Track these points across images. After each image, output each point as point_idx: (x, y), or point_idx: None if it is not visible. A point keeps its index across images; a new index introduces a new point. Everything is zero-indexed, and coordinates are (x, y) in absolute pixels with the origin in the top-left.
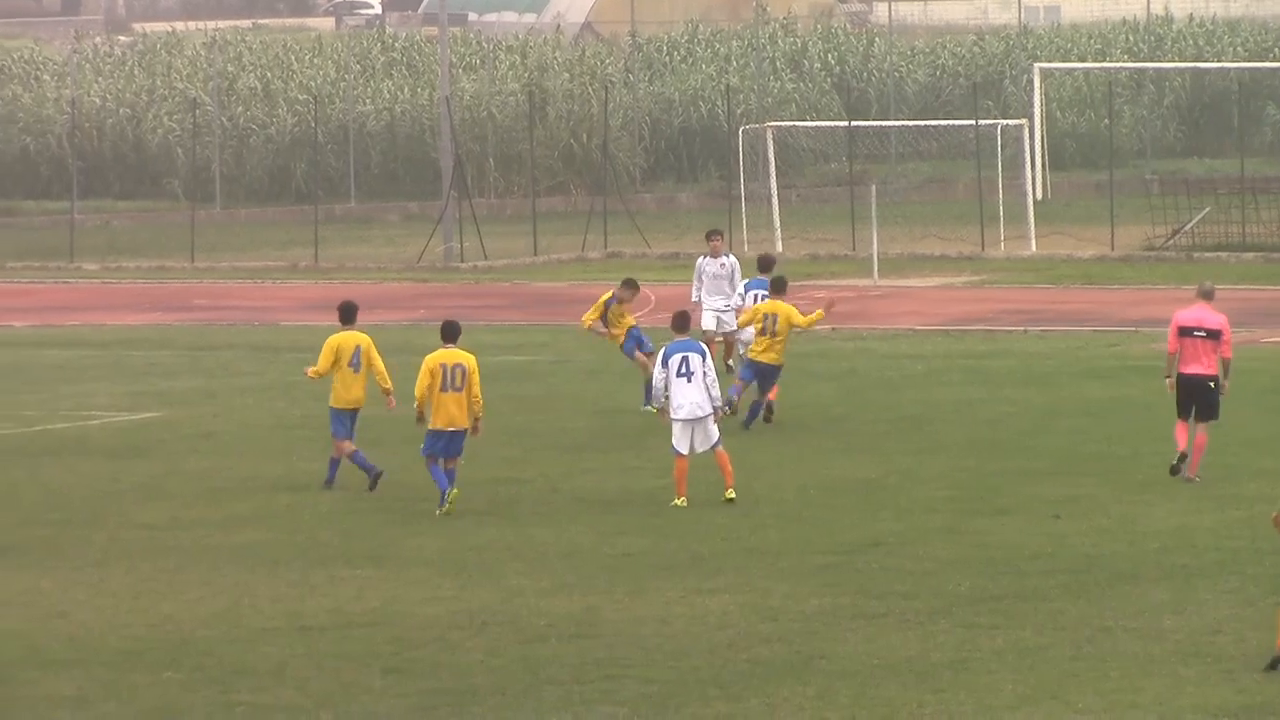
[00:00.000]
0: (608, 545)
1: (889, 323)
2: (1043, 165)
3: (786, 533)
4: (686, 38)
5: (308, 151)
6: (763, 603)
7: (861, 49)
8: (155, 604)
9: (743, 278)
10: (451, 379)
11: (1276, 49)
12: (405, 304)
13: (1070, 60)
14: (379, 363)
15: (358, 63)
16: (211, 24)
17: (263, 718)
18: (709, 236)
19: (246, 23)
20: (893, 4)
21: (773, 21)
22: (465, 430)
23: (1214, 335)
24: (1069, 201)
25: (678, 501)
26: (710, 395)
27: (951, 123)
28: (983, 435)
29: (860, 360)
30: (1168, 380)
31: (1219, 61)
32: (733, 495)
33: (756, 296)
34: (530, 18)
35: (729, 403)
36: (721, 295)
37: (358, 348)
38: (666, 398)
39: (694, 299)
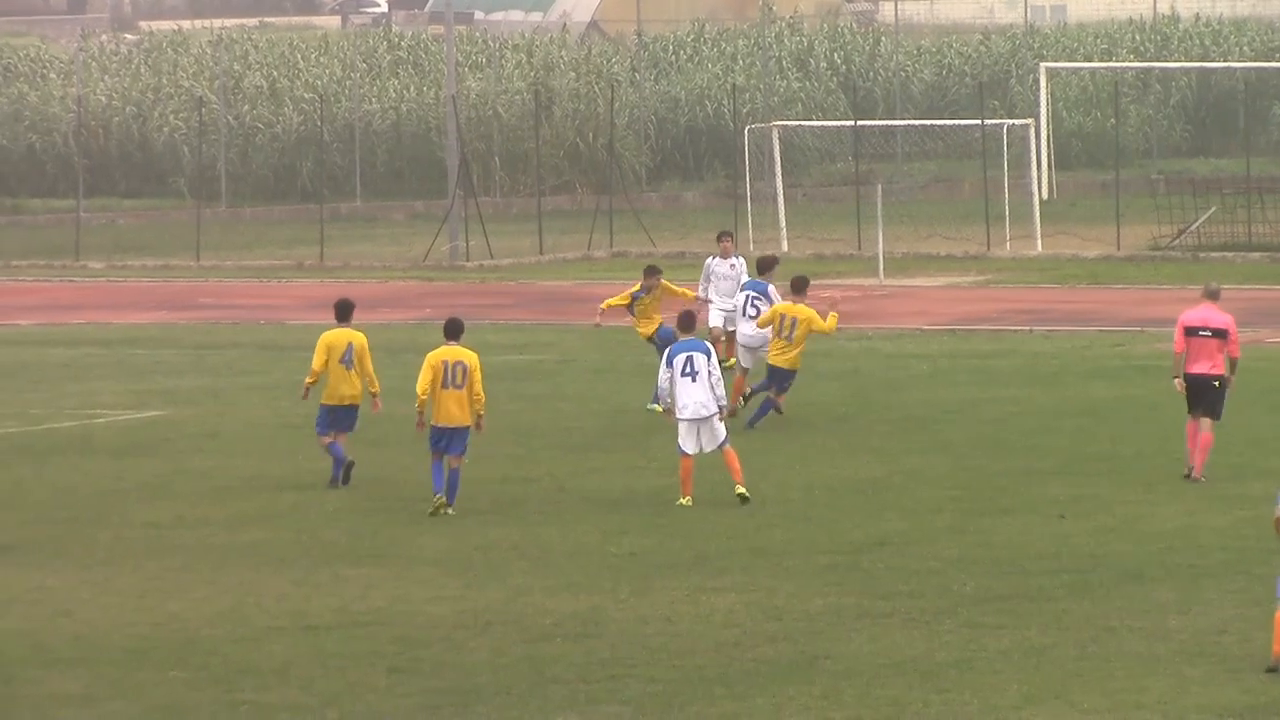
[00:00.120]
0: (613, 544)
1: (894, 322)
2: (1048, 165)
3: (791, 532)
4: (692, 36)
5: (313, 150)
6: (768, 602)
7: (868, 48)
8: (161, 602)
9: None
10: (452, 376)
11: None
12: (411, 303)
13: (1076, 60)
14: (369, 365)
15: (364, 61)
16: (218, 22)
17: (268, 716)
18: (720, 238)
19: (253, 21)
20: (899, 3)
21: (779, 20)
22: (466, 428)
23: (1220, 335)
24: (1074, 201)
25: (683, 501)
26: (715, 395)
27: (957, 122)
28: (988, 435)
29: (865, 360)
30: (1176, 381)
31: (1225, 61)
32: (743, 491)
33: (748, 298)
34: (536, 16)
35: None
36: (729, 297)
37: (350, 345)
38: (671, 398)
39: (700, 296)
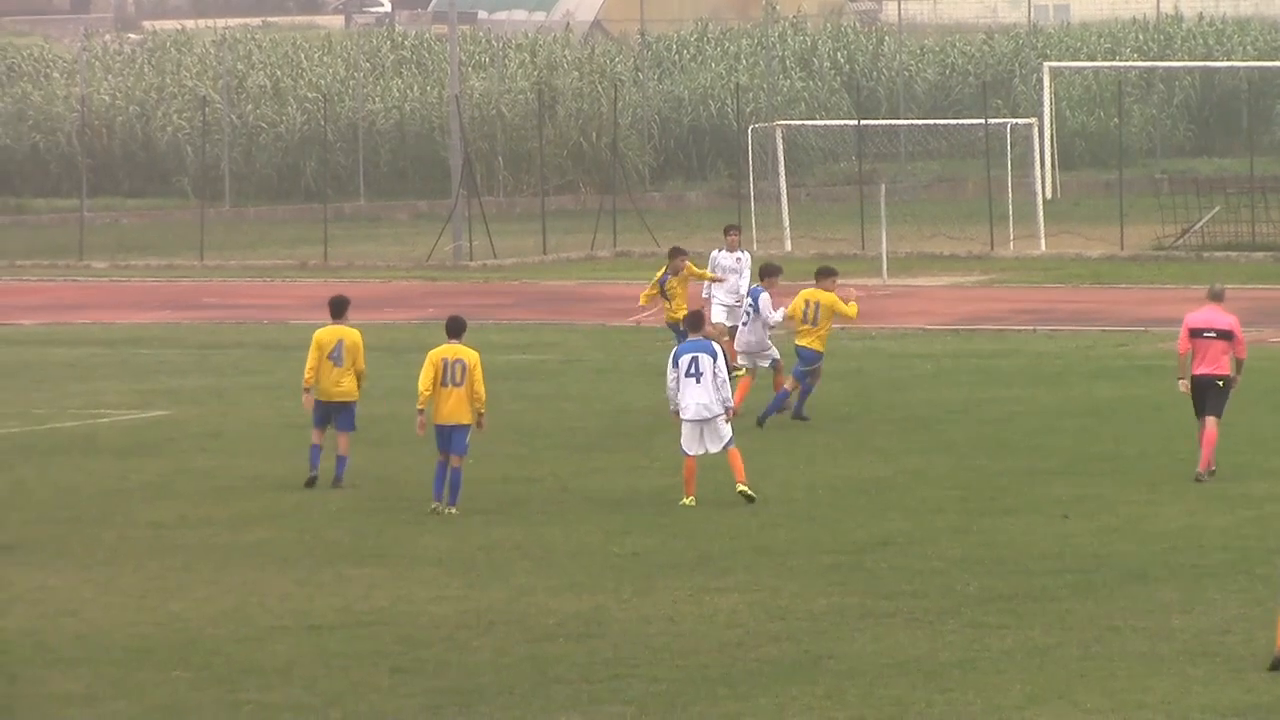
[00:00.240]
0: (616, 544)
1: (898, 322)
2: (1052, 164)
3: (795, 532)
4: (696, 36)
5: (317, 150)
6: (771, 602)
7: (871, 48)
8: (163, 602)
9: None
10: (451, 374)
11: None
12: (414, 302)
13: (1080, 59)
14: (361, 361)
15: (367, 61)
16: (221, 22)
17: (270, 716)
18: (727, 231)
19: (256, 21)
20: (902, 3)
21: (782, 20)
22: (466, 426)
23: (1225, 335)
24: (1078, 201)
25: (686, 501)
26: (720, 397)
27: (961, 122)
28: (991, 435)
29: (869, 360)
30: (1181, 382)
31: (1229, 60)
32: (744, 489)
33: (745, 307)
34: (540, 16)
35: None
36: (734, 293)
37: (340, 341)
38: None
39: (704, 295)
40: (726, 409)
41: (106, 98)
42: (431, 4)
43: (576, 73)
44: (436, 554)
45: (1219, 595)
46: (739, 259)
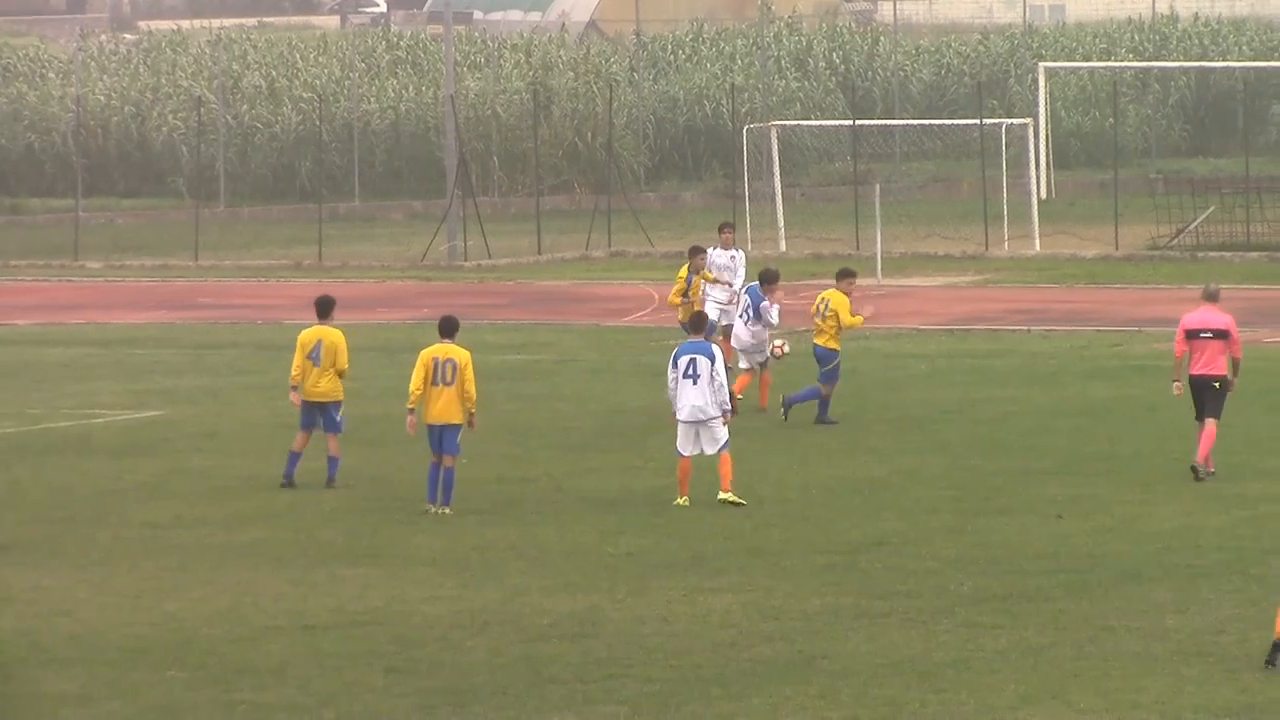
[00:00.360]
0: (610, 544)
1: (892, 322)
2: (1047, 164)
3: (789, 532)
4: (691, 36)
5: (312, 150)
6: (765, 602)
7: (866, 48)
8: (158, 602)
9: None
10: (442, 373)
11: None
12: (409, 303)
13: (1075, 59)
14: (343, 361)
15: (362, 61)
16: (216, 22)
17: (265, 716)
18: (721, 229)
19: (251, 21)
20: (897, 3)
21: (777, 20)
22: (457, 425)
23: (1221, 335)
24: (1073, 201)
25: (680, 501)
26: (717, 399)
27: (956, 122)
28: (985, 435)
29: (863, 360)
30: (1175, 384)
31: (1224, 61)
32: (726, 497)
33: (745, 305)
34: (535, 16)
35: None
36: (725, 289)
37: (319, 342)
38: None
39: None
40: (723, 412)
41: (102, 98)
42: (427, 4)
43: (571, 73)
44: (430, 554)
45: (1213, 595)
46: (733, 257)
